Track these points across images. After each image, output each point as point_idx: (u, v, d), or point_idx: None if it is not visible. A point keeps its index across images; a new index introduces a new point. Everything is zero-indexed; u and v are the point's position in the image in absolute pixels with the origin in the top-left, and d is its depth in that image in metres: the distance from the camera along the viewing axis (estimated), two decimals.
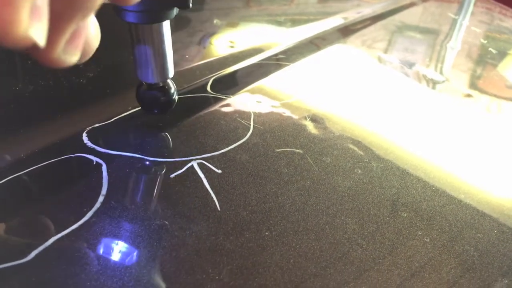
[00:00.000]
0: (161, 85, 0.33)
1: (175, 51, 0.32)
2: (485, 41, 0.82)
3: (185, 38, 0.54)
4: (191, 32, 0.56)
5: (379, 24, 0.81)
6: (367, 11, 0.85)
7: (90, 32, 0.20)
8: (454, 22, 0.93)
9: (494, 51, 0.75)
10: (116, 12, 0.28)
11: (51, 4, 0.15)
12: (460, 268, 0.27)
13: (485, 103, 0.55)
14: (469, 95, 0.56)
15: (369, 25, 0.78)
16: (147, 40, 0.30)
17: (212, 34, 0.57)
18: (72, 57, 0.19)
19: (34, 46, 0.15)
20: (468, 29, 0.88)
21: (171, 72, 0.32)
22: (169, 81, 0.33)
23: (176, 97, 0.34)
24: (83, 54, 0.20)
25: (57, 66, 0.19)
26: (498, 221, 0.31)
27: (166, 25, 0.30)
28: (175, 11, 0.29)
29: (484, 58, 0.72)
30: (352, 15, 0.80)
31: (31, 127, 0.33)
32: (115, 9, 0.28)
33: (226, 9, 0.70)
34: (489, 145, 0.42)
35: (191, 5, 0.29)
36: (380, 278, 0.25)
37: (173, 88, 0.33)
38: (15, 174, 0.28)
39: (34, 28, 0.15)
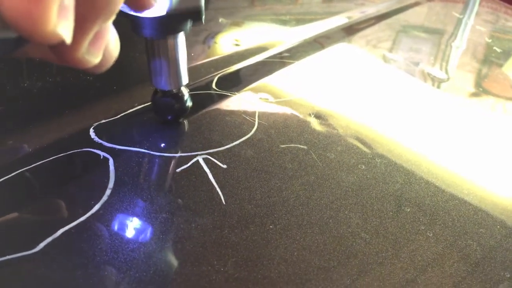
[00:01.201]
0: (175, 92, 0.33)
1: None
2: (490, 40, 0.82)
3: (190, 37, 0.55)
4: (197, 30, 0.57)
5: (384, 23, 0.81)
6: (371, 10, 0.85)
7: (111, 41, 0.21)
8: (459, 21, 0.93)
9: (499, 50, 0.75)
10: (132, 28, 0.29)
11: (76, 6, 0.17)
12: (463, 262, 0.27)
13: (489, 102, 0.55)
14: (473, 94, 0.56)
15: (374, 24, 0.79)
16: (162, 52, 0.31)
17: (217, 33, 0.58)
18: (95, 58, 0.20)
19: (61, 44, 0.16)
20: (473, 29, 0.88)
21: (185, 80, 0.33)
22: (183, 88, 0.34)
23: (189, 104, 0.35)
24: (104, 62, 0.21)
25: (80, 66, 0.20)
26: (501, 217, 0.31)
27: (181, 37, 0.31)
28: (189, 24, 0.30)
29: (489, 58, 0.72)
30: (356, 14, 0.80)
31: (40, 123, 0.33)
32: (131, 25, 0.29)
33: (231, 8, 0.70)
34: (493, 143, 0.43)
35: (204, 19, 0.30)
36: (383, 272, 0.25)
37: (186, 95, 0.34)
38: (24, 168, 0.28)
39: (62, 26, 0.16)
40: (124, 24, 0.29)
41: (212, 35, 0.57)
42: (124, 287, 0.22)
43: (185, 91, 0.34)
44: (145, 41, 0.31)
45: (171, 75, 0.32)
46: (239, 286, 0.23)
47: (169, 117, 0.35)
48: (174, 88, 0.33)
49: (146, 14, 0.27)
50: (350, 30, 0.72)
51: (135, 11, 0.25)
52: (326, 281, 0.24)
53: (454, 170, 0.36)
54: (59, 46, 0.17)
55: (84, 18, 0.18)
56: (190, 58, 0.48)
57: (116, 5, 0.18)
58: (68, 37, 0.17)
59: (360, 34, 0.72)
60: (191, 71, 0.44)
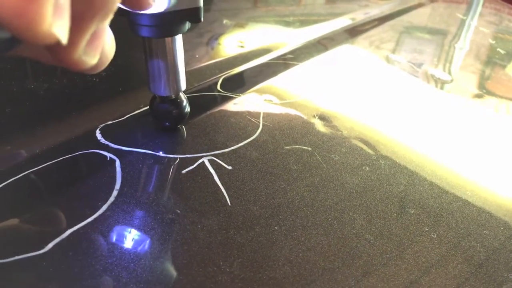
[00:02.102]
0: (173, 98, 0.33)
1: (184, 51, 0.33)
2: (494, 42, 0.82)
3: (194, 39, 0.55)
4: (201, 32, 0.57)
5: (387, 24, 0.81)
6: (374, 12, 0.85)
7: (107, 41, 0.21)
8: (462, 22, 0.93)
9: (502, 52, 0.75)
10: (130, 27, 0.29)
11: (72, 4, 0.16)
12: (466, 264, 0.27)
13: (493, 103, 0.55)
14: (477, 95, 0.56)
15: (377, 26, 0.79)
16: (160, 54, 0.30)
17: (220, 34, 0.58)
18: (92, 59, 0.20)
19: (57, 44, 0.16)
20: (476, 30, 0.88)
21: (183, 85, 0.33)
22: (181, 94, 0.34)
23: (188, 110, 0.34)
24: (99, 62, 0.21)
25: (77, 68, 0.19)
26: (505, 219, 0.31)
27: (179, 39, 0.31)
28: (187, 25, 0.30)
29: (493, 59, 0.73)
30: (359, 16, 0.80)
31: (46, 124, 0.34)
32: (129, 24, 0.29)
33: (234, 9, 0.71)
34: (497, 145, 0.43)
35: (202, 19, 0.29)
36: (387, 273, 0.25)
37: (185, 101, 0.34)
38: (31, 169, 0.29)
39: (57, 25, 0.15)
40: (127, 26, 0.29)
41: (216, 36, 0.57)
42: (132, 287, 0.22)
43: (184, 97, 0.34)
44: (143, 44, 0.30)
45: (170, 80, 0.32)
46: (245, 287, 0.23)
47: (167, 124, 0.35)
48: (173, 94, 0.33)
49: (142, 11, 0.27)
50: (353, 32, 0.72)
51: (133, 10, 0.24)
52: (331, 282, 0.24)
53: (458, 171, 0.36)
54: (54, 47, 0.17)
55: (81, 17, 0.17)
56: (194, 60, 0.48)
57: (114, 3, 0.18)
58: (64, 37, 0.16)
59: (364, 36, 0.72)
60: (195, 72, 0.45)
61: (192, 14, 0.28)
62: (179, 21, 0.29)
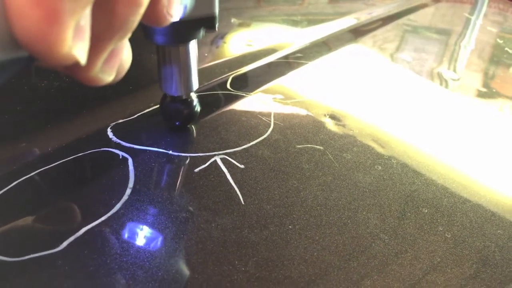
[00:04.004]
0: (184, 97, 0.33)
1: None
2: (502, 41, 0.81)
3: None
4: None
5: (392, 24, 0.81)
6: (379, 11, 0.85)
7: (124, 53, 0.20)
8: (467, 21, 0.93)
9: (510, 51, 0.75)
10: (144, 33, 0.29)
11: (92, 25, 0.16)
12: (481, 263, 0.27)
13: (503, 103, 0.55)
14: (486, 95, 0.56)
15: (382, 25, 0.79)
16: (173, 59, 0.30)
17: (225, 33, 0.58)
18: (108, 77, 0.19)
19: (75, 65, 0.16)
20: (483, 29, 0.88)
21: (195, 86, 0.33)
22: (192, 94, 0.33)
23: (198, 109, 0.34)
24: (116, 75, 0.20)
25: (93, 84, 0.19)
26: None
27: (193, 44, 0.30)
28: (202, 31, 0.30)
29: (501, 58, 0.72)
30: (364, 15, 0.80)
31: (58, 123, 0.34)
32: (143, 31, 0.29)
33: (238, 8, 0.71)
34: (509, 145, 0.42)
35: (217, 27, 0.29)
36: (402, 272, 0.25)
37: (195, 101, 0.34)
38: (44, 167, 0.29)
39: (77, 47, 0.15)
40: (137, 24, 0.29)
41: (221, 35, 0.57)
42: (147, 286, 0.22)
43: (194, 97, 0.34)
44: (156, 49, 0.30)
45: (182, 81, 0.31)
46: (261, 286, 0.23)
47: (177, 123, 0.34)
48: (184, 94, 0.32)
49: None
50: (358, 32, 0.72)
51: (150, 25, 0.24)
52: (346, 281, 0.24)
53: (470, 171, 0.36)
54: (72, 66, 0.16)
55: (100, 38, 0.17)
56: (203, 59, 0.48)
57: (134, 23, 0.17)
58: (83, 59, 0.16)
59: (369, 35, 0.72)
60: (205, 71, 0.45)
61: (207, 22, 0.28)
62: (194, 29, 0.29)
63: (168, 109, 0.34)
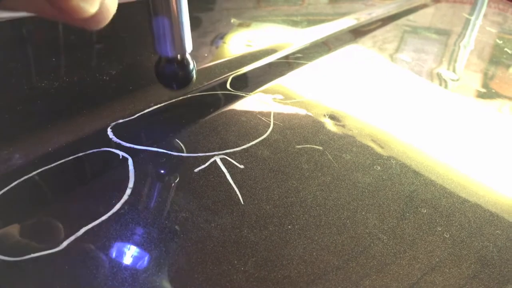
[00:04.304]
0: (180, 59, 0.32)
1: (193, 49, 0.32)
2: (501, 42, 0.82)
3: (199, 38, 0.55)
4: (206, 31, 0.57)
5: (392, 25, 0.81)
6: (379, 12, 0.85)
7: None
8: (467, 21, 0.93)
9: (510, 52, 0.75)
10: None
11: None
12: (479, 263, 0.27)
13: (502, 103, 0.55)
14: (486, 95, 0.56)
15: (381, 26, 0.79)
16: (165, 11, 0.29)
17: (225, 34, 0.58)
18: (90, 7, 0.19)
19: None
20: (483, 30, 0.88)
21: (189, 46, 0.32)
22: (188, 56, 0.32)
23: (194, 73, 0.33)
24: (101, 16, 0.20)
25: (76, 15, 0.18)
26: None
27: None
28: None
29: (501, 59, 0.72)
30: (364, 16, 0.80)
31: (58, 123, 0.34)
32: None
33: (237, 9, 0.71)
34: (508, 145, 0.43)
35: None
36: (401, 272, 0.25)
37: (192, 64, 0.33)
38: (44, 167, 0.29)
39: None
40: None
41: (221, 35, 0.57)
42: (147, 285, 0.22)
43: (191, 60, 0.33)
44: (147, 3, 0.29)
45: (175, 40, 0.30)
46: (260, 286, 0.23)
47: (174, 86, 0.33)
48: (178, 53, 0.31)
49: None
50: (358, 32, 0.73)
51: None
52: (345, 281, 0.24)
53: (469, 171, 0.36)
54: None
55: None
56: (204, 59, 0.48)
57: None
58: None
59: (369, 36, 0.72)
60: (205, 71, 0.45)
61: None
62: None
63: (163, 71, 0.32)
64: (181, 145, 0.33)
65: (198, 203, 0.28)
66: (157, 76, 0.33)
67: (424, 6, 1.00)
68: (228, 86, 0.43)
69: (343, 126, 0.39)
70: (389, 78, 0.55)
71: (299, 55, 0.54)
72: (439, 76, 0.59)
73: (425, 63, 0.63)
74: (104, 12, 0.20)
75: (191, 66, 0.33)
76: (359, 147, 0.36)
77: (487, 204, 0.32)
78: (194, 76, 0.34)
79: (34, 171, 0.28)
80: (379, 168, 0.34)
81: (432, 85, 0.56)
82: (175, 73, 0.33)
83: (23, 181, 0.27)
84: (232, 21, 0.63)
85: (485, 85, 0.60)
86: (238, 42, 0.56)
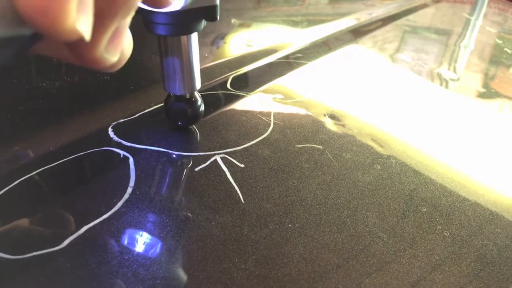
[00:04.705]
0: (188, 97, 0.33)
1: None
2: (501, 42, 0.82)
3: (199, 38, 0.55)
4: (206, 31, 0.57)
5: (392, 25, 0.81)
6: (379, 12, 0.86)
7: (126, 40, 0.21)
8: (467, 21, 0.93)
9: (510, 52, 0.75)
10: (145, 25, 0.29)
11: (95, 1, 0.16)
12: (479, 262, 0.27)
13: (502, 103, 0.55)
14: (485, 95, 0.56)
15: (381, 26, 0.79)
16: (175, 53, 0.30)
17: (225, 34, 0.58)
18: (112, 57, 0.19)
19: (79, 41, 0.16)
20: (482, 30, 0.88)
21: (198, 84, 0.33)
22: (196, 93, 0.33)
23: (202, 109, 0.34)
24: (118, 61, 0.21)
25: (97, 66, 0.19)
26: None
27: (194, 37, 0.30)
28: (203, 23, 0.30)
29: (501, 59, 0.73)
30: (364, 16, 0.81)
31: (59, 122, 0.34)
32: (144, 22, 0.29)
33: (237, 9, 0.71)
34: (508, 144, 0.43)
35: (218, 17, 0.29)
36: (401, 270, 0.26)
37: (199, 100, 0.34)
38: (45, 166, 0.29)
39: (81, 22, 0.15)
40: (139, 24, 0.29)
41: (221, 36, 0.57)
42: (148, 283, 0.22)
43: (198, 96, 0.34)
44: (158, 42, 0.30)
45: (184, 79, 0.31)
46: (261, 283, 0.23)
47: (180, 123, 0.35)
48: (187, 93, 0.32)
49: (161, 9, 0.27)
50: (358, 32, 0.73)
51: (153, 8, 0.24)
52: (345, 279, 0.24)
53: (469, 170, 0.36)
54: (77, 44, 0.16)
55: (104, 14, 0.17)
56: (203, 59, 0.48)
57: (135, 0, 0.18)
58: (87, 34, 0.16)
59: (369, 36, 0.72)
60: (205, 71, 0.45)
61: (208, 13, 0.28)
62: (195, 20, 0.29)
63: (172, 109, 0.34)
64: (182, 144, 0.33)
65: (199, 201, 0.28)
66: (166, 112, 0.34)
67: (424, 6, 1.01)
68: (228, 86, 0.43)
69: (343, 125, 0.39)
70: (389, 78, 0.55)
71: (299, 55, 0.54)
72: (439, 76, 0.59)
73: (425, 63, 0.63)
74: (121, 58, 0.21)
75: (199, 103, 0.34)
76: (359, 146, 0.36)
77: (487, 203, 0.32)
78: (202, 112, 0.35)
79: (36, 170, 0.28)
80: (379, 167, 0.34)
81: (432, 85, 0.57)
82: (183, 110, 0.34)
83: (24, 180, 0.28)
84: (232, 21, 0.63)
85: (485, 85, 0.60)
86: (239, 42, 0.56)
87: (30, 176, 0.28)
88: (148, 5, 0.22)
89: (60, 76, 0.39)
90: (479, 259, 0.27)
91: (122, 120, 0.35)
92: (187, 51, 0.30)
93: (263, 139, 0.35)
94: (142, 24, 0.29)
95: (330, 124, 0.39)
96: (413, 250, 0.27)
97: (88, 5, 0.15)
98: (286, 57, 0.53)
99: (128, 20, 0.19)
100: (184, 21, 0.29)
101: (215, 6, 0.28)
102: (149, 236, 0.25)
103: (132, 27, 0.22)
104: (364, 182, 0.32)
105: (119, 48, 0.20)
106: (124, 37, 0.20)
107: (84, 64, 0.19)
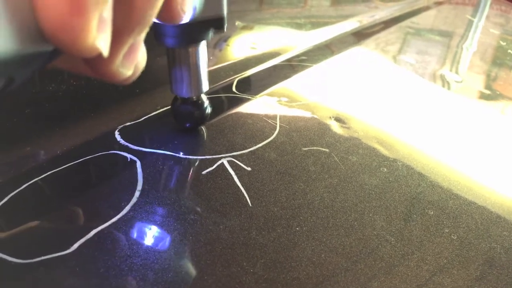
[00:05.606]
0: (195, 99, 0.33)
1: None
2: (504, 43, 0.82)
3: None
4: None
5: (395, 27, 0.81)
6: (381, 14, 0.86)
7: (140, 54, 0.21)
8: (470, 23, 0.93)
9: None
10: (155, 37, 0.29)
11: (113, 18, 0.16)
12: (487, 264, 0.27)
13: (503, 104, 0.55)
14: (490, 97, 0.56)
15: (384, 28, 0.79)
16: (183, 60, 0.31)
17: (228, 36, 0.58)
18: (128, 71, 0.20)
19: (97, 57, 0.16)
20: (485, 31, 0.88)
21: (205, 87, 0.33)
22: (202, 95, 0.34)
23: (209, 111, 0.35)
24: (132, 77, 0.21)
25: (113, 79, 0.20)
26: None
27: (203, 45, 0.31)
28: (211, 33, 0.30)
29: (504, 60, 0.73)
30: (367, 18, 0.81)
31: (65, 126, 0.34)
32: (154, 34, 0.29)
33: (240, 11, 0.71)
34: None
35: (226, 28, 0.30)
36: (409, 273, 0.26)
37: (206, 103, 0.34)
38: (52, 170, 0.29)
39: (100, 39, 0.15)
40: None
41: (224, 38, 0.57)
42: (157, 287, 0.22)
43: (205, 98, 0.34)
44: (166, 51, 0.31)
45: (192, 83, 0.32)
46: (269, 287, 0.23)
47: (187, 125, 0.35)
48: (194, 95, 0.33)
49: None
50: (361, 34, 0.73)
51: (164, 22, 0.24)
52: (353, 283, 0.24)
53: (475, 173, 0.36)
54: (94, 59, 0.17)
55: (120, 31, 0.17)
56: (208, 62, 0.48)
57: (151, 16, 0.18)
58: (105, 50, 0.16)
59: (372, 38, 0.72)
60: (210, 74, 0.45)
61: (216, 23, 0.29)
62: (203, 30, 0.29)
63: (179, 111, 0.34)
64: (189, 147, 0.33)
65: (206, 205, 0.28)
66: (173, 114, 0.35)
67: (426, 8, 1.01)
68: (233, 89, 0.43)
69: (349, 128, 0.39)
70: (392, 80, 0.56)
71: (303, 57, 0.54)
72: (442, 77, 0.59)
73: (428, 65, 0.63)
74: (135, 71, 0.21)
75: (205, 105, 0.34)
76: (365, 149, 0.36)
77: (493, 206, 0.32)
78: (209, 114, 0.35)
79: (44, 173, 0.28)
80: (385, 170, 0.34)
81: (435, 87, 0.57)
82: (190, 112, 0.34)
83: (32, 183, 0.28)
84: (236, 23, 0.63)
85: (488, 86, 0.60)
86: (242, 45, 0.56)
87: (38, 179, 0.28)
88: (162, 21, 0.23)
89: (66, 80, 0.39)
90: (487, 262, 0.27)
91: (128, 123, 0.35)
92: (195, 59, 0.31)
93: (269, 142, 0.35)
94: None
95: (335, 127, 0.39)
96: (421, 253, 0.27)
97: (107, 23, 0.16)
98: (290, 60, 0.53)
99: (143, 35, 0.20)
100: (192, 33, 0.29)
101: (222, 17, 0.29)
102: (158, 240, 0.25)
103: None
104: (371, 185, 0.32)
105: (134, 62, 0.20)
106: (138, 52, 0.20)
107: (100, 77, 0.19)
